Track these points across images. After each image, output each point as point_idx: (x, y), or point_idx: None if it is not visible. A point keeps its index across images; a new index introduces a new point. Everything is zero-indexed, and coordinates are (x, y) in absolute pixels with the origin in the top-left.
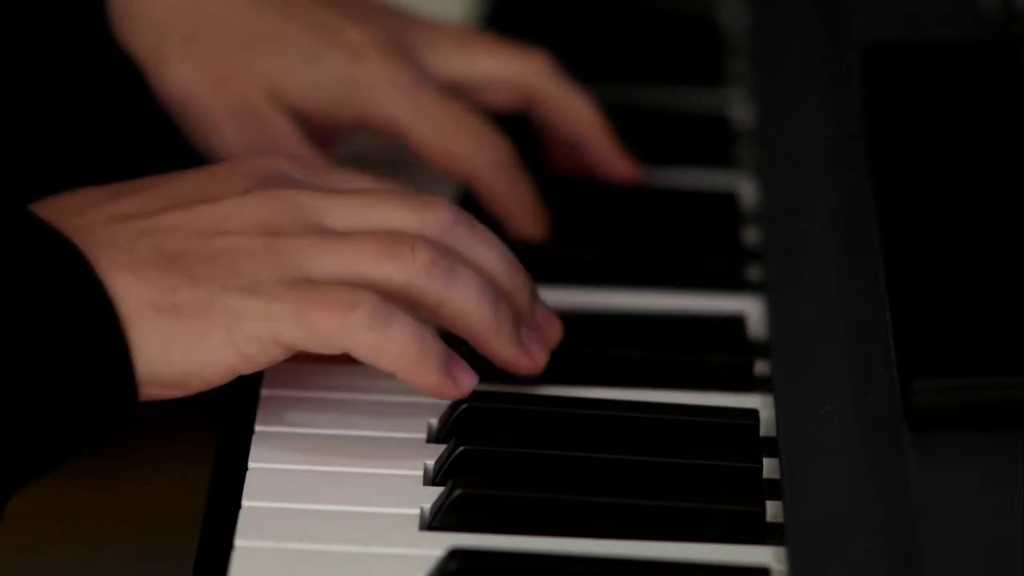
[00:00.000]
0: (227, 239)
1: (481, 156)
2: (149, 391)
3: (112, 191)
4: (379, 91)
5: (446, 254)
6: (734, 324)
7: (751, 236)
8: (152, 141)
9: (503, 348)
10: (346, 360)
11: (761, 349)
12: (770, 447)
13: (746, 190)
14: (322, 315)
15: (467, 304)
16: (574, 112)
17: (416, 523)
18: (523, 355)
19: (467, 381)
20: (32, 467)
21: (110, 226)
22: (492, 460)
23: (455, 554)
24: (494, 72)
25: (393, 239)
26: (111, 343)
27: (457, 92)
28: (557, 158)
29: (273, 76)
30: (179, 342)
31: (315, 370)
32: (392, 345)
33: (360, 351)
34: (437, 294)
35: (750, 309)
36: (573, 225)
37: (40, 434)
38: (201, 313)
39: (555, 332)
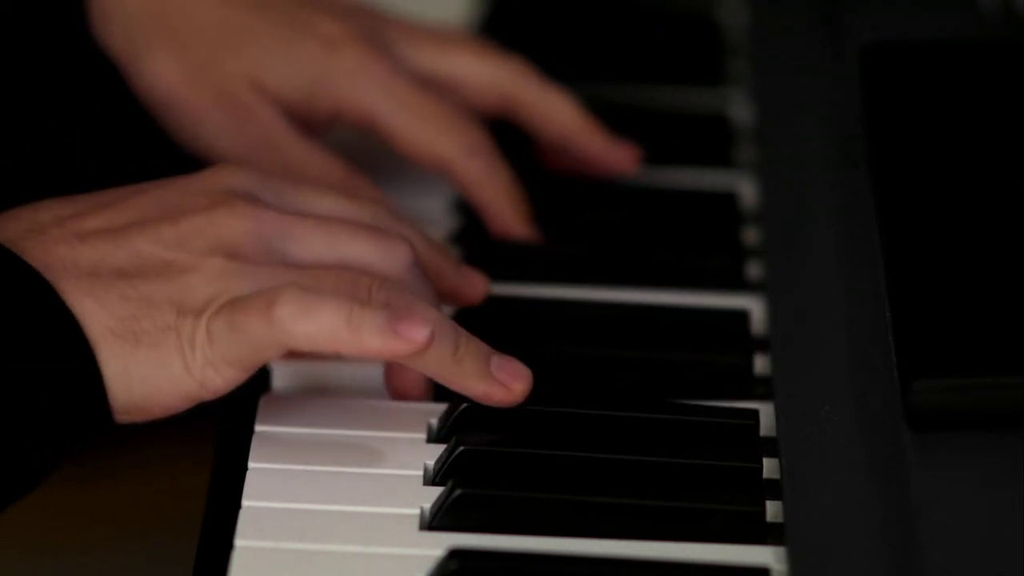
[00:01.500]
0: (187, 259)
1: (454, 143)
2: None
3: (76, 205)
4: (353, 80)
5: (404, 294)
6: (734, 325)
7: (751, 236)
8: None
9: (469, 384)
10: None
11: (761, 348)
12: (770, 447)
13: (746, 190)
14: (248, 320)
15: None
16: (554, 114)
17: (416, 523)
18: (497, 390)
19: (418, 334)
20: (9, 494)
21: (74, 246)
22: (492, 460)
23: (455, 554)
24: (471, 73)
25: (352, 279)
26: (83, 368)
27: (433, 86)
28: (550, 159)
29: (251, 67)
30: (139, 370)
31: (315, 370)
32: (322, 328)
33: (297, 344)
34: None
35: (750, 309)
36: (573, 225)
37: (15, 462)
38: (160, 341)
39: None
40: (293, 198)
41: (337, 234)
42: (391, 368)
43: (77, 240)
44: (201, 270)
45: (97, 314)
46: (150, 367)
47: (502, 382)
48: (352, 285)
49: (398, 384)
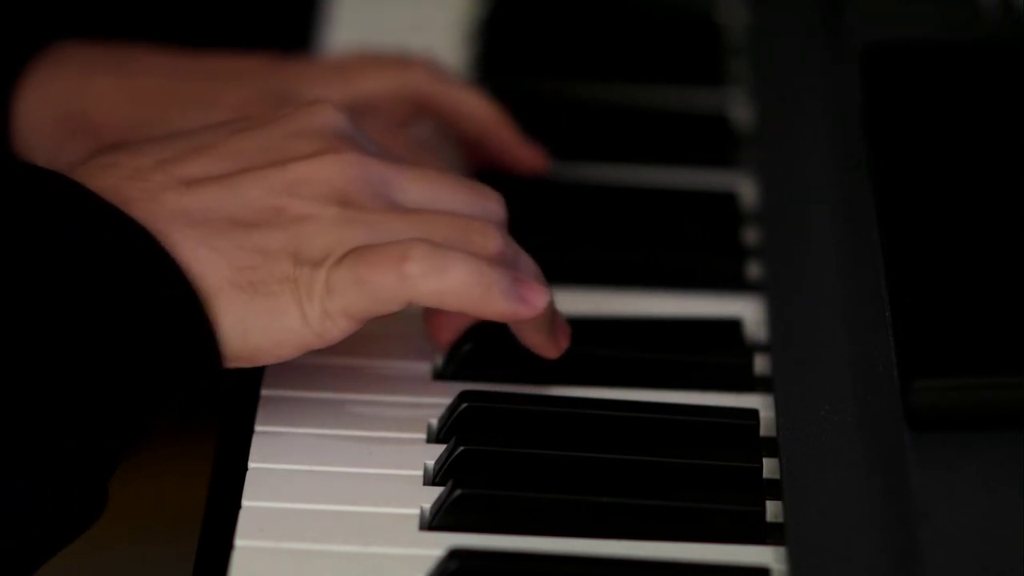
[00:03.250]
0: (300, 207)
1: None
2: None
3: (173, 146)
4: None
5: (511, 243)
6: (732, 326)
7: (751, 236)
8: None
9: (539, 337)
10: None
11: (761, 349)
12: (770, 447)
13: (746, 190)
14: (378, 274)
15: None
16: (466, 108)
17: (416, 523)
18: (552, 343)
19: (539, 299)
20: (126, 446)
21: (181, 194)
22: (492, 460)
23: (455, 554)
24: (378, 89)
25: (464, 223)
26: (195, 324)
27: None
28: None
29: None
30: (255, 319)
31: (315, 370)
32: (453, 286)
33: (423, 299)
34: None
35: (750, 309)
36: (572, 225)
37: (131, 415)
38: (277, 292)
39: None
40: (382, 148)
41: (437, 183)
42: (435, 315)
43: (184, 187)
44: (315, 218)
45: (213, 263)
46: (267, 317)
47: (557, 337)
48: (464, 230)
49: (438, 331)
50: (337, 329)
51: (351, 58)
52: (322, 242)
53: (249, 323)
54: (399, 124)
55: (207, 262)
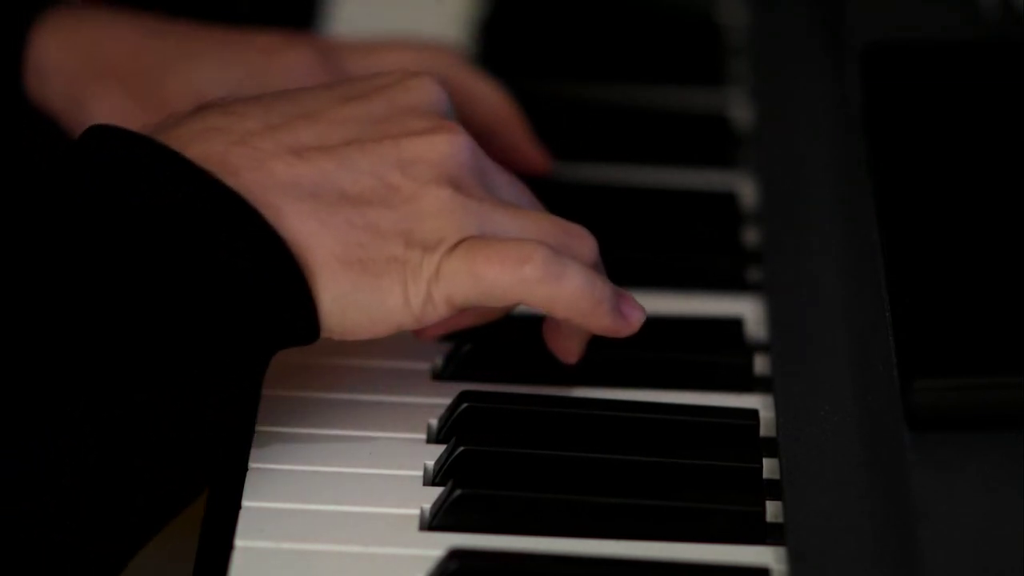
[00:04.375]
0: (414, 187)
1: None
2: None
3: (279, 112)
4: (294, 78)
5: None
6: (732, 326)
7: (751, 236)
8: None
9: (575, 345)
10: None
11: (761, 349)
12: (770, 447)
13: (746, 190)
14: (495, 271)
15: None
16: (485, 98)
17: (416, 523)
18: (581, 351)
19: (638, 316)
20: (224, 411)
21: (292, 163)
22: (492, 460)
23: (455, 554)
24: (401, 62)
25: (566, 228)
26: (296, 300)
27: None
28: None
29: (193, 82)
30: (357, 298)
31: (315, 370)
32: (565, 295)
33: (534, 303)
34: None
35: (750, 309)
36: None
37: (227, 383)
38: (384, 272)
39: None
40: None
41: (520, 183)
42: (555, 333)
43: (294, 156)
44: (427, 200)
45: (322, 238)
46: (369, 296)
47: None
48: (567, 236)
49: (560, 347)
50: (436, 314)
51: (376, 37)
52: (435, 226)
53: (350, 300)
54: None
55: (315, 236)
